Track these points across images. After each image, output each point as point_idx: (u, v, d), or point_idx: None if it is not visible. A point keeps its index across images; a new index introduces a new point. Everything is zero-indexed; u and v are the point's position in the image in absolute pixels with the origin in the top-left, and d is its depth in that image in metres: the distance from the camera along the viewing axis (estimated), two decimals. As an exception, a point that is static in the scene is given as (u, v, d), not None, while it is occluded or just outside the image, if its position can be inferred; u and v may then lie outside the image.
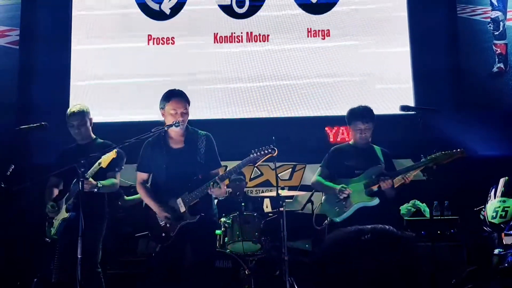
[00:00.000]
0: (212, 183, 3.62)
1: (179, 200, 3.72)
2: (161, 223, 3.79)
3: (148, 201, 3.87)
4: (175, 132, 3.82)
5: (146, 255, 5.58)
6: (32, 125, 4.54)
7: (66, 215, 4.10)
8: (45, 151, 5.81)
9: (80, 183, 3.64)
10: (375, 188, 4.14)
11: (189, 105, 3.86)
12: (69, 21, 6.98)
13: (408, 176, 4.17)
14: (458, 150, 4.18)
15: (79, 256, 3.52)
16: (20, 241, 5.81)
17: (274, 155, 3.69)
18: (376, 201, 4.13)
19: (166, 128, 3.79)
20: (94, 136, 4.40)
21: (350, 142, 4.46)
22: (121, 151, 4.25)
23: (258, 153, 3.65)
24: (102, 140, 4.37)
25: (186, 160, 3.78)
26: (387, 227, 1.36)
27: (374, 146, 4.43)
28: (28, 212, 5.83)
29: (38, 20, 7.05)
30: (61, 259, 4.15)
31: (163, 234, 3.79)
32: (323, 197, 4.40)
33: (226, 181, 3.76)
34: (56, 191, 4.32)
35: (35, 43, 7.01)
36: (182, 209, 3.71)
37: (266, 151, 3.63)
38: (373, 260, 1.25)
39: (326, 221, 4.44)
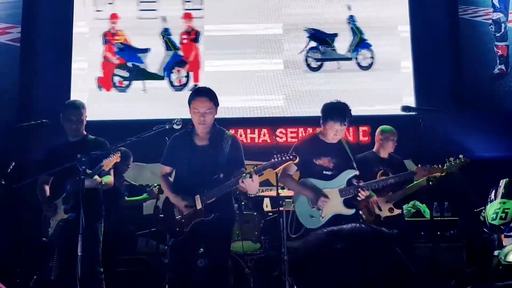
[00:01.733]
0: (244, 175, 3.56)
1: (197, 197, 3.71)
2: (176, 217, 3.79)
3: (168, 193, 3.87)
4: (200, 130, 3.81)
5: (146, 253, 5.59)
6: (32, 122, 4.52)
7: (64, 216, 4.04)
8: (45, 148, 5.81)
9: (81, 182, 3.60)
10: (350, 196, 3.95)
11: (216, 105, 3.79)
12: (70, 18, 6.98)
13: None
14: (435, 166, 4.20)
15: (79, 254, 3.51)
16: (20, 239, 5.81)
17: (295, 162, 3.68)
18: (352, 211, 3.97)
19: (167, 127, 3.78)
20: (86, 133, 4.34)
21: (319, 136, 4.11)
22: (127, 150, 4.25)
23: (280, 159, 3.62)
24: (93, 137, 4.32)
25: (208, 158, 3.76)
26: (364, 226, 1.29)
27: (342, 138, 4.11)
28: (27, 209, 5.83)
29: (39, 17, 7.06)
30: (61, 259, 4.13)
31: (177, 229, 3.79)
32: (294, 201, 4.11)
33: (257, 177, 3.63)
34: (47, 188, 4.25)
35: (36, 40, 7.02)
36: (199, 206, 3.71)
37: (287, 158, 3.61)
38: (354, 265, 1.19)
39: (302, 230, 4.05)
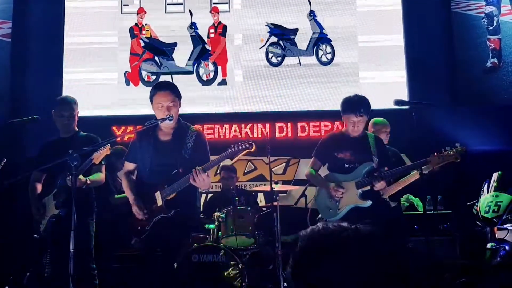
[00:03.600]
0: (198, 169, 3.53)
1: (157, 193, 3.66)
2: (137, 216, 3.75)
3: (127, 191, 3.83)
4: (166, 125, 3.77)
5: (139, 249, 5.58)
6: (24, 118, 4.49)
7: (55, 211, 4.03)
8: (37, 145, 5.77)
9: (73, 177, 3.58)
10: (366, 188, 4.05)
11: (178, 98, 3.77)
12: (62, 13, 6.94)
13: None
14: (451, 153, 4.07)
15: (71, 250, 3.49)
16: (12, 235, 5.78)
17: (251, 150, 3.63)
18: (368, 202, 4.03)
19: (160, 122, 3.75)
20: (77, 129, 4.32)
21: (343, 130, 4.30)
22: (124, 148, 4.23)
23: (236, 148, 3.58)
24: (85, 133, 4.29)
25: (170, 153, 3.71)
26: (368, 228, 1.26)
27: (368, 133, 4.32)
28: (19, 206, 5.80)
29: (31, 12, 7.00)
30: (53, 255, 4.12)
31: (139, 228, 3.75)
32: (316, 192, 4.35)
33: (212, 176, 3.64)
34: (39, 186, 4.23)
35: (28, 35, 6.97)
36: (159, 202, 3.66)
37: (243, 146, 3.57)
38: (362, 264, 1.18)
39: (318, 218, 4.33)
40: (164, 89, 3.73)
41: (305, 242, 1.26)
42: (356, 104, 4.08)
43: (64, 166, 3.73)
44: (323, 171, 4.35)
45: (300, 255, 1.25)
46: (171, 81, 6.82)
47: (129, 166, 3.89)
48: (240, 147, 3.57)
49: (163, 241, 3.71)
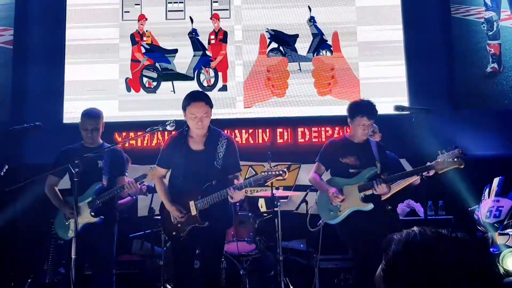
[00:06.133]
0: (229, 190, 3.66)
1: (191, 203, 3.74)
2: (173, 221, 3.82)
3: (163, 197, 3.90)
4: (197, 133, 3.81)
5: (140, 255, 5.58)
6: (25, 125, 4.50)
7: (92, 220, 4.07)
8: (38, 151, 5.79)
9: (75, 184, 3.60)
10: (368, 192, 4.08)
11: (211, 108, 3.81)
12: (63, 20, 6.96)
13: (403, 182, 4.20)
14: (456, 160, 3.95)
15: (73, 257, 3.52)
16: (13, 242, 5.79)
17: (284, 177, 3.75)
18: (370, 206, 4.07)
19: (160, 128, 3.78)
20: (101, 141, 4.35)
21: (347, 136, 4.35)
22: (125, 155, 4.31)
23: (271, 173, 3.67)
24: (108, 145, 4.34)
25: (203, 164, 3.78)
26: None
27: (370, 139, 4.36)
28: (21, 212, 5.81)
29: (32, 20, 7.03)
30: (77, 260, 4.15)
31: (174, 233, 3.83)
32: (317, 196, 4.37)
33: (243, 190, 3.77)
34: (57, 190, 4.28)
35: (29, 43, 6.99)
36: (194, 212, 3.73)
37: (277, 173, 3.66)
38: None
39: (320, 222, 4.41)
40: (199, 100, 3.76)
41: (400, 247, 1.20)
42: (368, 107, 4.16)
43: (99, 173, 4.07)
44: (325, 176, 4.38)
45: (394, 260, 1.20)
46: (172, 87, 6.88)
47: (162, 171, 3.96)
48: (274, 173, 3.65)
49: (197, 248, 3.85)
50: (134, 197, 5.04)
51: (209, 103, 3.79)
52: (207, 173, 3.75)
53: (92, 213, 4.07)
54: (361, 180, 4.12)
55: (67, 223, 4.14)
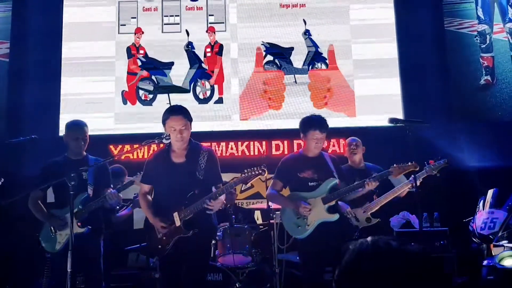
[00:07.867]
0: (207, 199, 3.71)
1: (175, 214, 3.78)
2: (158, 235, 3.84)
3: (146, 212, 3.95)
4: (177, 146, 3.87)
5: (136, 268, 5.57)
6: (21, 138, 4.51)
7: (78, 230, 3.98)
8: (35, 164, 5.78)
9: (71, 197, 3.60)
10: (332, 203, 4.18)
11: (190, 121, 3.88)
12: (59, 33, 7.00)
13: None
14: (409, 164, 4.30)
15: (68, 270, 3.51)
16: (10, 254, 5.77)
17: (264, 175, 3.85)
18: (336, 216, 4.17)
19: (156, 141, 3.82)
20: (85, 153, 4.32)
21: (301, 152, 4.46)
22: (122, 167, 4.30)
23: (250, 173, 3.77)
24: (94, 157, 4.30)
25: (185, 175, 3.83)
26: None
27: (323, 153, 4.45)
28: (17, 225, 5.79)
29: (28, 33, 7.06)
30: (57, 272, 4.13)
31: (159, 246, 3.86)
32: (281, 214, 4.39)
33: (223, 196, 3.84)
34: (41, 204, 4.21)
35: (25, 55, 7.01)
36: (178, 223, 3.77)
37: (257, 172, 3.76)
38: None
39: (290, 239, 4.45)
40: (177, 114, 3.85)
41: (352, 257, 1.25)
42: (319, 121, 4.29)
43: (84, 184, 3.96)
44: (284, 193, 4.44)
45: (345, 268, 1.25)
46: (168, 99, 6.90)
47: (145, 187, 4.01)
48: (254, 173, 3.77)
49: (183, 260, 3.82)
50: (129, 210, 5.04)
51: (187, 116, 3.87)
52: (190, 184, 3.80)
53: (79, 224, 4.02)
54: (323, 192, 4.20)
55: (53, 236, 4.08)
